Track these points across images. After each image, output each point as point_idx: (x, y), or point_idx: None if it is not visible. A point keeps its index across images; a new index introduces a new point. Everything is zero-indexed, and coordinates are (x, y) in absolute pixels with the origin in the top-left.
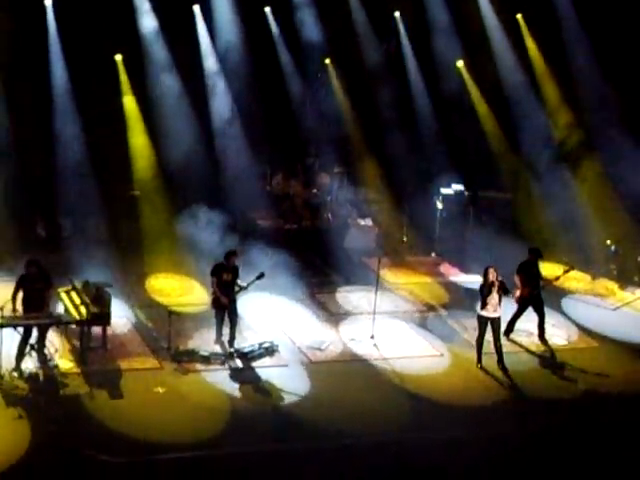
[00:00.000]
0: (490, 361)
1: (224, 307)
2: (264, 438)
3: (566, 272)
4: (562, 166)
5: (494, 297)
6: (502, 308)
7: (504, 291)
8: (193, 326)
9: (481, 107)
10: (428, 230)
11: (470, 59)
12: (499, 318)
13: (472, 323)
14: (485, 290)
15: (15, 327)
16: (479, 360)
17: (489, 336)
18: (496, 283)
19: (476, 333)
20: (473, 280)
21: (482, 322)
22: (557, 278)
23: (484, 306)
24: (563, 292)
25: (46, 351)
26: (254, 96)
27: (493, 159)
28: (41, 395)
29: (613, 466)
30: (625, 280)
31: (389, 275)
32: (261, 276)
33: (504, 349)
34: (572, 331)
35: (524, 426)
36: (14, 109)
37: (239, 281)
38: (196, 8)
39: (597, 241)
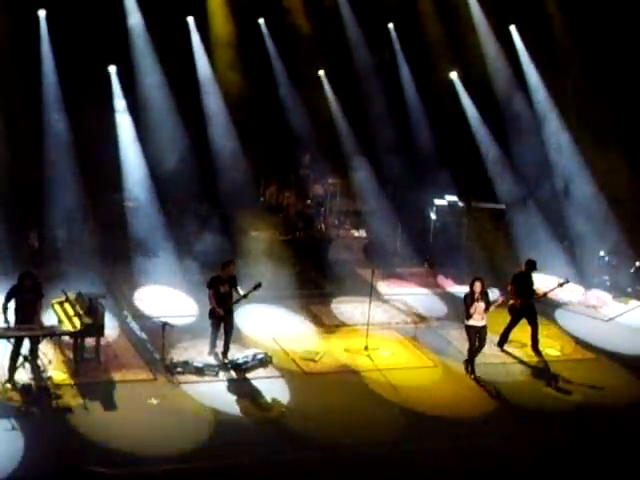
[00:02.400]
0: (484, 371)
1: (221, 318)
2: (258, 449)
3: (561, 285)
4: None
5: (480, 305)
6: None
7: (486, 303)
8: (187, 337)
9: (474, 118)
10: (422, 241)
11: (463, 70)
12: (485, 327)
13: (465, 334)
14: (469, 299)
15: (8, 338)
16: (472, 372)
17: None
18: (478, 293)
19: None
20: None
21: (472, 332)
22: (552, 290)
23: (470, 316)
24: (557, 303)
25: (39, 362)
26: (248, 107)
27: (486, 170)
28: (34, 407)
29: (607, 478)
30: (618, 291)
31: (383, 286)
32: (258, 286)
33: (497, 360)
34: (566, 342)
35: (517, 438)
36: (6, 119)
37: (238, 289)
38: (190, 19)
39: (591, 252)
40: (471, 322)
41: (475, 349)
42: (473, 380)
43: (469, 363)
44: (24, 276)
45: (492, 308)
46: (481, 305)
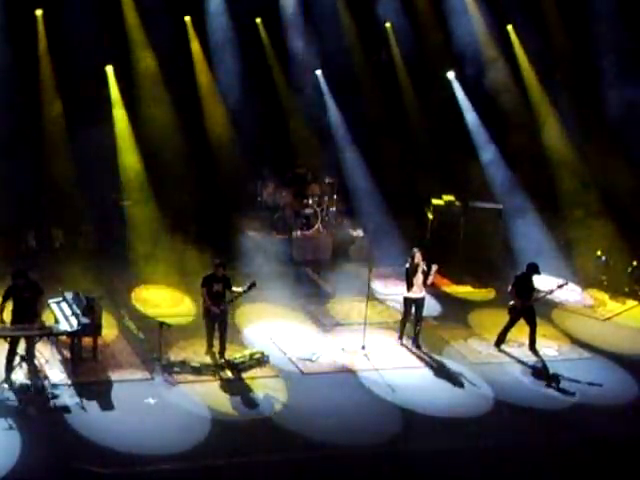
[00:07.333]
0: (481, 371)
1: (215, 318)
2: (255, 449)
3: (560, 287)
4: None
5: (419, 277)
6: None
7: (426, 275)
8: (183, 337)
9: (471, 117)
10: (419, 240)
11: (461, 69)
12: (423, 298)
13: (462, 333)
14: (411, 271)
15: (4, 338)
16: (400, 337)
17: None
18: (421, 265)
19: (478, 343)
20: (463, 291)
21: (408, 304)
22: (551, 292)
23: (410, 287)
24: (554, 303)
25: (36, 362)
26: (246, 107)
27: (483, 170)
28: (31, 406)
29: (606, 478)
30: (615, 291)
31: (379, 286)
32: (253, 285)
33: (495, 360)
34: (563, 342)
35: (514, 438)
36: (1, 117)
37: (234, 288)
38: (187, 19)
39: (588, 252)
40: (409, 294)
41: (415, 322)
42: (401, 346)
43: (403, 334)
44: (16, 275)
45: (429, 280)
46: (420, 277)
